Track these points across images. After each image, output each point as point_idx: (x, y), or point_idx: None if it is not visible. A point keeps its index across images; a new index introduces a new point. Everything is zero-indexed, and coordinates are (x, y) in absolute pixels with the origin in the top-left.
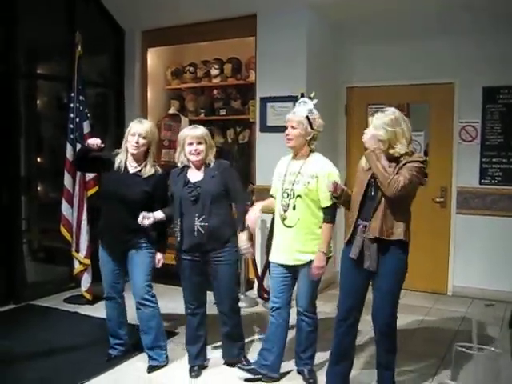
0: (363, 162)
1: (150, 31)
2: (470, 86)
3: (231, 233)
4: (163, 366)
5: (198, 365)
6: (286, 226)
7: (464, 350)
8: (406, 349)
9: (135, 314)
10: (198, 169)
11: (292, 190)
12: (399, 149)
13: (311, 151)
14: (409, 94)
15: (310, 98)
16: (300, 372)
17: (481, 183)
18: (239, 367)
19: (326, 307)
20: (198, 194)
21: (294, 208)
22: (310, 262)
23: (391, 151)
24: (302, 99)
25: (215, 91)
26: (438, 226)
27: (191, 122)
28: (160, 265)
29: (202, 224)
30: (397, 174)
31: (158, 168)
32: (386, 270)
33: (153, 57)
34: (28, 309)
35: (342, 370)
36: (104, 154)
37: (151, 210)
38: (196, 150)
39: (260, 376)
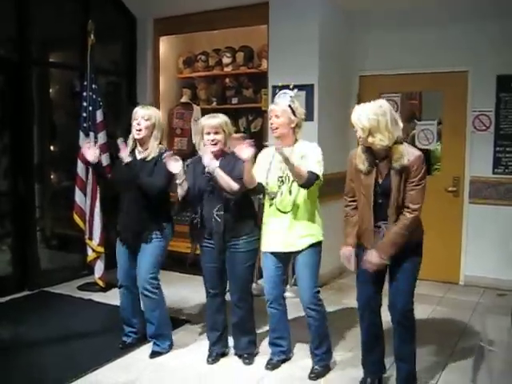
0: (360, 163)
1: (161, 19)
2: (483, 75)
3: (251, 224)
4: (166, 353)
5: (216, 351)
6: (282, 211)
7: (486, 346)
8: (417, 338)
9: None
10: (217, 159)
11: (287, 175)
12: (379, 140)
13: (296, 140)
14: (422, 83)
15: (290, 88)
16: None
17: (494, 172)
18: (245, 362)
19: (340, 297)
20: (214, 183)
21: (289, 193)
22: (308, 247)
23: (370, 140)
24: (282, 91)
25: (227, 80)
26: (450, 215)
27: (203, 111)
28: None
29: (218, 213)
30: (407, 191)
31: (163, 147)
32: (402, 262)
33: (165, 45)
34: (42, 295)
35: (377, 357)
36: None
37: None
38: (213, 140)
39: (280, 362)
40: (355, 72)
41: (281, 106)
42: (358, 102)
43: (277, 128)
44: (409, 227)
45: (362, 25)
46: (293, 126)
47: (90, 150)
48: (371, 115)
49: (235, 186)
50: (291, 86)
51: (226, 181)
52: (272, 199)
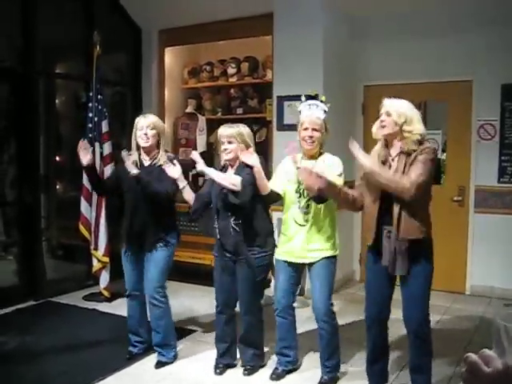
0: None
1: (166, 30)
2: (488, 84)
3: (264, 238)
4: (171, 363)
5: (223, 363)
6: (299, 224)
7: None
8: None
9: None
10: (231, 167)
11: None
12: (417, 129)
13: (321, 153)
14: (426, 92)
15: (321, 101)
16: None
17: (499, 182)
18: (244, 373)
19: (348, 306)
20: (226, 193)
21: (307, 206)
22: (322, 259)
23: (407, 128)
24: (312, 101)
25: (232, 90)
26: (456, 225)
27: (208, 121)
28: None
29: (236, 222)
30: (407, 172)
31: (171, 154)
32: (415, 272)
33: (170, 56)
34: (48, 305)
35: (381, 367)
36: (111, 177)
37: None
38: (225, 149)
39: (285, 372)
40: (360, 81)
41: (320, 119)
42: (363, 112)
43: (314, 142)
44: (398, 185)
45: (367, 34)
46: (322, 141)
47: (84, 153)
48: (410, 106)
49: (237, 181)
50: (323, 99)
51: (227, 180)
52: (305, 213)
